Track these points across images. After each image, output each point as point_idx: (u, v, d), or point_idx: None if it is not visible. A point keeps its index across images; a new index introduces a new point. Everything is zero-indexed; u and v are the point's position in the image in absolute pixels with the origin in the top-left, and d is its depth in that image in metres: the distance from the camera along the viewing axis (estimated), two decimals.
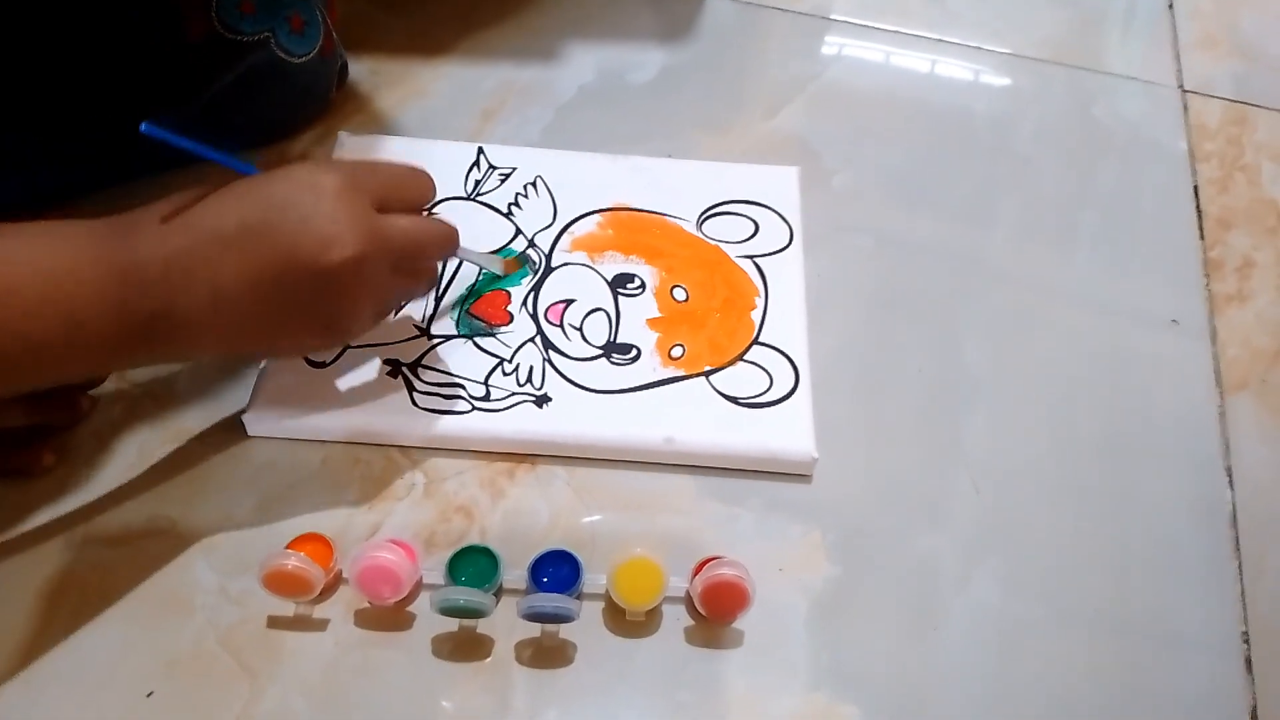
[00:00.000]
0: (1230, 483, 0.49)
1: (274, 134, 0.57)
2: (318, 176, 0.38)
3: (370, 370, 0.48)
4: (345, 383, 0.47)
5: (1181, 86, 0.68)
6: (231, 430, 0.47)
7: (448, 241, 0.43)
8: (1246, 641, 0.45)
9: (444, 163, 0.56)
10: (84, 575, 0.43)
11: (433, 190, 0.43)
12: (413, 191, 0.42)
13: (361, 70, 0.62)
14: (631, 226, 0.54)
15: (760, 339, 0.50)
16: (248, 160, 0.40)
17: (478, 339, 0.49)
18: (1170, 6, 0.74)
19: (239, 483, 0.45)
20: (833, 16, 0.70)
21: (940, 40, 0.69)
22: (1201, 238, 0.59)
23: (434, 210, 0.54)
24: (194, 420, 0.47)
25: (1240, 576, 0.46)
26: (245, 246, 0.37)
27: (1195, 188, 0.62)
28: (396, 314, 0.50)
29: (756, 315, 0.51)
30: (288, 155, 0.57)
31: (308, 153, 0.58)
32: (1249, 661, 0.44)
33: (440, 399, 0.47)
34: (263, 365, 0.48)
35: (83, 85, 0.47)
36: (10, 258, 0.34)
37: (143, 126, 0.37)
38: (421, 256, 0.42)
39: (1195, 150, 0.64)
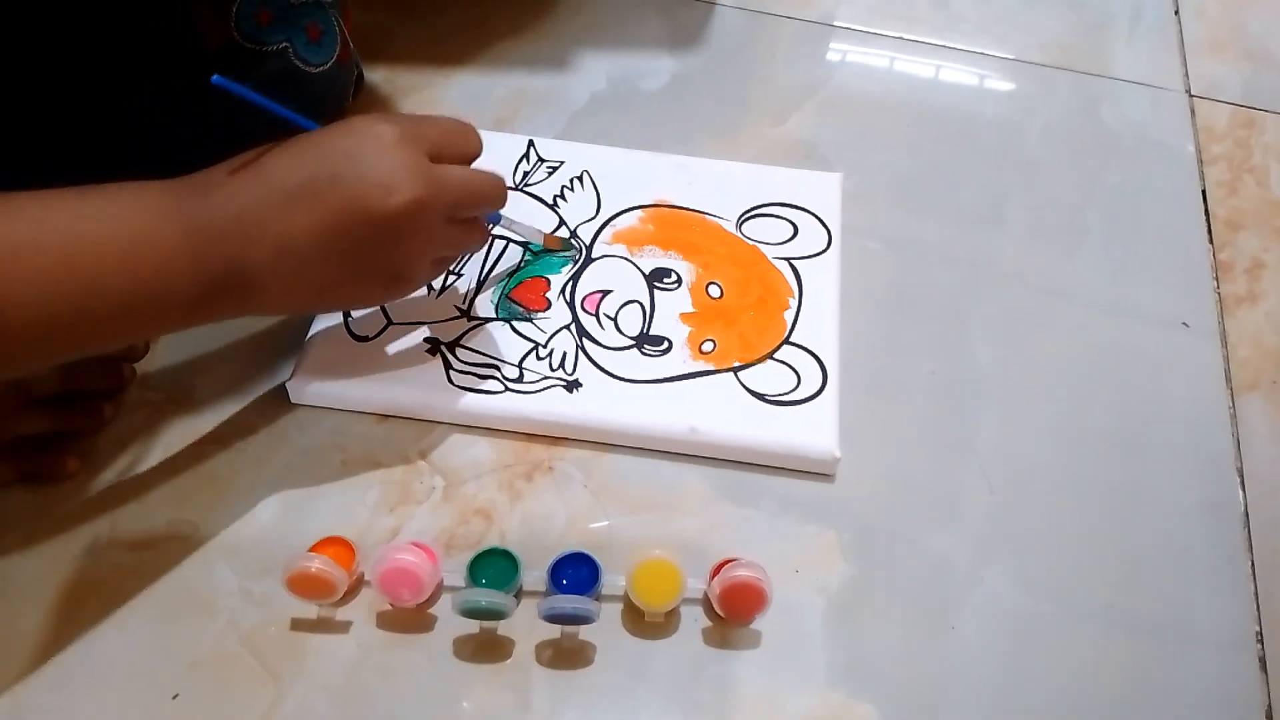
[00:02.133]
0: (1242, 483, 0.50)
1: None
2: (377, 127, 0.40)
3: (411, 347, 0.49)
4: (386, 357, 0.49)
5: (1189, 91, 0.68)
6: (253, 434, 0.47)
7: (498, 192, 0.45)
8: (1260, 641, 0.45)
9: (495, 153, 0.57)
10: (108, 578, 0.43)
11: (480, 143, 0.44)
12: (463, 144, 0.44)
13: (376, 79, 0.62)
14: (672, 223, 0.55)
15: (791, 339, 0.51)
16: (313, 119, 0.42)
17: (515, 323, 0.51)
18: (1176, 11, 0.74)
19: (261, 487, 0.46)
20: (839, 24, 0.70)
21: (946, 46, 0.70)
22: (1210, 240, 0.60)
23: None
24: (216, 426, 0.48)
25: (1253, 576, 0.47)
26: (312, 198, 0.38)
27: (1203, 191, 0.62)
28: (454, 276, 0.52)
29: (789, 315, 0.52)
30: None
31: None
32: (1263, 661, 0.44)
33: (475, 378, 0.48)
34: (308, 335, 0.49)
35: (103, 94, 0.48)
36: (92, 215, 0.36)
37: (214, 78, 0.38)
38: (475, 205, 0.44)
39: (1203, 153, 0.64)
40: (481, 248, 0.47)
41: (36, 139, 0.48)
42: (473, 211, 0.44)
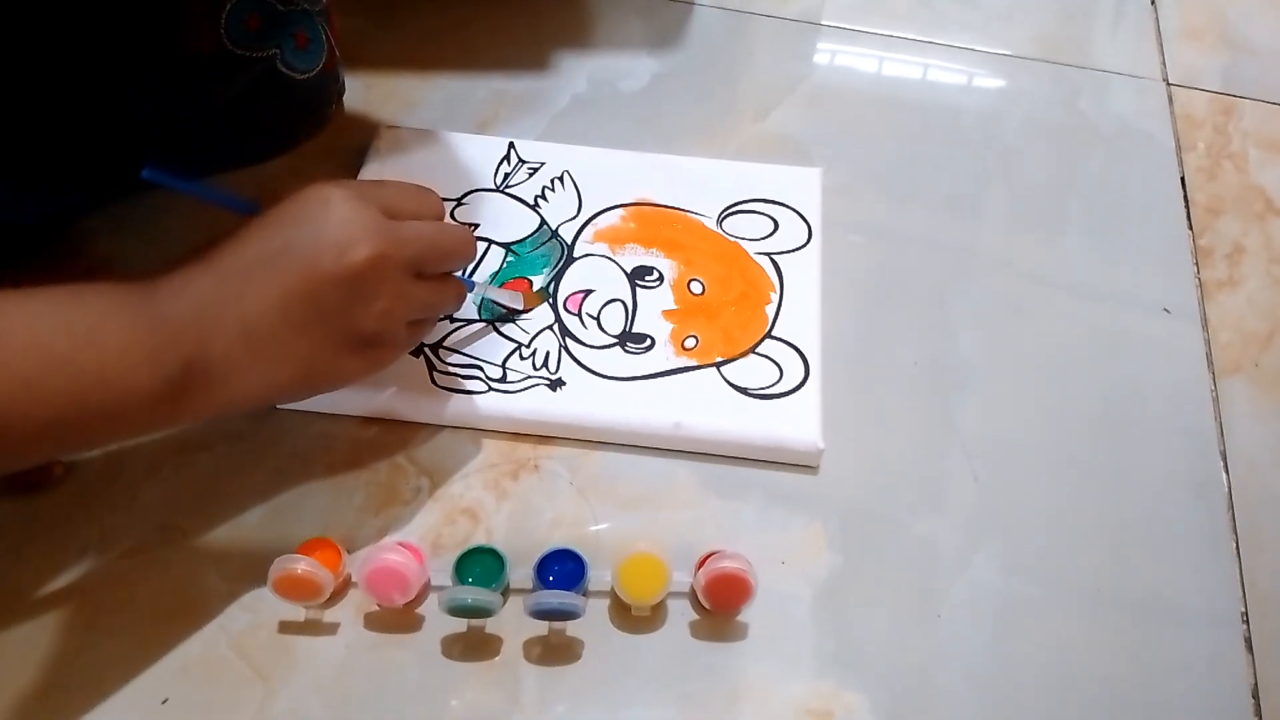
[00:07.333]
0: (1225, 465, 0.50)
1: (274, 148, 0.58)
2: (324, 192, 0.39)
3: None
4: None
5: (1166, 79, 0.69)
6: (239, 441, 0.48)
7: (464, 245, 0.44)
8: (1246, 621, 0.45)
9: (475, 156, 0.58)
10: (97, 586, 0.43)
11: (440, 206, 0.44)
12: (420, 201, 0.43)
13: (357, 85, 0.63)
14: (653, 221, 0.56)
15: (773, 333, 0.51)
16: (251, 199, 0.41)
17: (498, 324, 0.51)
18: (1153, 1, 0.75)
19: (248, 492, 0.46)
20: (819, 21, 0.71)
21: (927, 40, 0.70)
22: (1190, 226, 0.60)
23: (464, 201, 0.56)
24: (202, 432, 0.48)
25: (1238, 556, 0.47)
26: (267, 273, 0.37)
27: (1182, 177, 0.63)
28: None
29: (771, 310, 0.52)
30: (290, 166, 0.58)
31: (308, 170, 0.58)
32: (1249, 640, 0.45)
33: (458, 379, 0.49)
34: None
35: (94, 99, 0.48)
36: (34, 314, 0.33)
37: (144, 172, 0.37)
38: (441, 258, 0.42)
39: (1182, 140, 0.65)
40: (459, 308, 0.46)
41: (44, 155, 0.48)
42: (440, 266, 0.43)
